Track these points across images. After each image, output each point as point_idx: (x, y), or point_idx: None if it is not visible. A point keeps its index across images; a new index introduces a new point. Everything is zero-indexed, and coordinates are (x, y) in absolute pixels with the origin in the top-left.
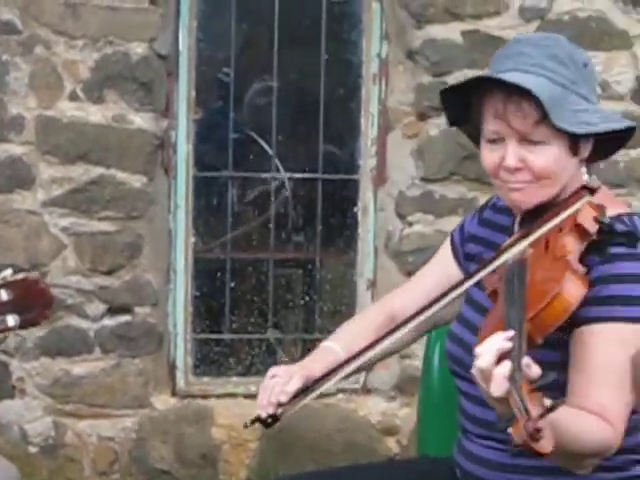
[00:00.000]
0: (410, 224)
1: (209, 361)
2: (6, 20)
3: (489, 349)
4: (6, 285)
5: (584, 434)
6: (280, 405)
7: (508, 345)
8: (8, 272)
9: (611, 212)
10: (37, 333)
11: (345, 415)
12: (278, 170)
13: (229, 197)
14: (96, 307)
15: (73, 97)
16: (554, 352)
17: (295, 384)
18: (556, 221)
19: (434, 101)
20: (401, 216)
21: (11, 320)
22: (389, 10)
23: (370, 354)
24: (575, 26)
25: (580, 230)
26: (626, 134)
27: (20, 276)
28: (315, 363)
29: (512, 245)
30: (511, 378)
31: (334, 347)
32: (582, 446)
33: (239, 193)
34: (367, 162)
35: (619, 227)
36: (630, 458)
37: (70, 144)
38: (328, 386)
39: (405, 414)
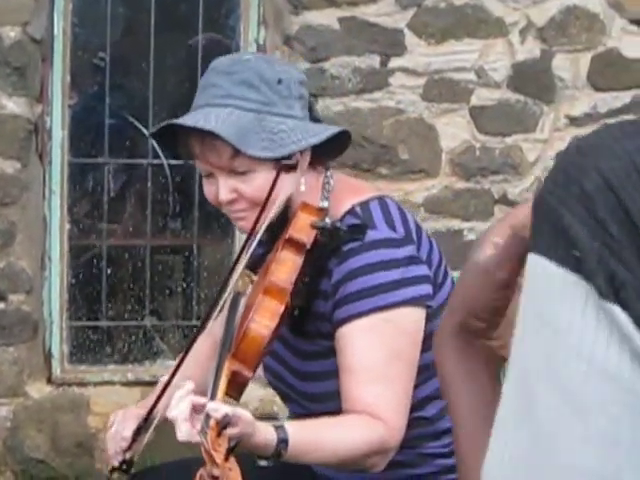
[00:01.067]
0: None
1: (85, 349)
2: None
3: (180, 399)
4: None
5: (346, 441)
6: (125, 451)
7: (199, 399)
8: None
9: (343, 207)
10: None
11: None
12: (156, 156)
13: (105, 183)
14: None
15: None
16: (326, 361)
17: (130, 427)
18: (244, 254)
19: (310, 88)
20: None
21: None
22: None
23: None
24: (451, 13)
25: (293, 243)
26: (344, 135)
27: None
28: (150, 398)
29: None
30: (200, 427)
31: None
32: (350, 451)
33: (115, 179)
34: None
35: (348, 222)
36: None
37: None
38: (159, 415)
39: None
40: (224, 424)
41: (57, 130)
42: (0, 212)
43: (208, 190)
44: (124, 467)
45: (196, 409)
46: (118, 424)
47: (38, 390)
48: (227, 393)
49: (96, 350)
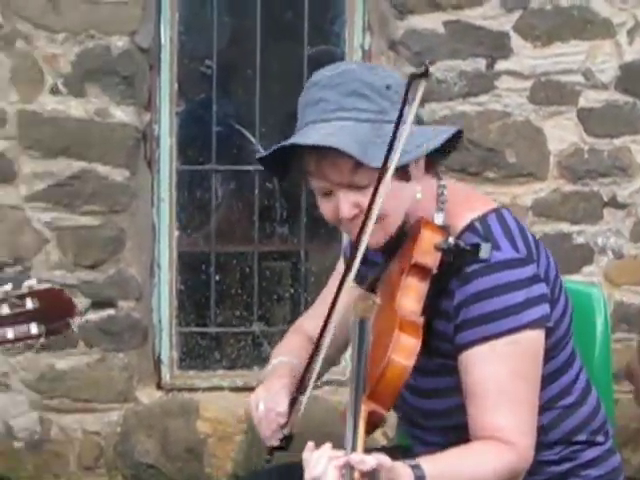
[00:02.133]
0: None
1: (194, 354)
2: None
3: (319, 458)
4: (31, 294)
5: (480, 471)
6: (282, 427)
7: (338, 455)
8: (33, 281)
9: (461, 221)
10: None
11: (332, 407)
12: None
13: (213, 190)
14: (80, 301)
15: (54, 91)
16: (444, 378)
17: (283, 402)
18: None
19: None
20: None
21: (35, 328)
22: (371, 1)
23: (319, 357)
24: (558, 15)
25: (419, 269)
26: (456, 136)
27: (45, 286)
28: (283, 378)
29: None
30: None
31: (284, 360)
32: (484, 478)
33: (223, 186)
34: None
35: (469, 240)
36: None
37: (52, 138)
38: (310, 388)
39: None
40: (371, 477)
41: (165, 138)
42: (110, 219)
43: (326, 208)
44: (283, 444)
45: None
46: (266, 402)
47: (148, 395)
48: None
49: (205, 356)
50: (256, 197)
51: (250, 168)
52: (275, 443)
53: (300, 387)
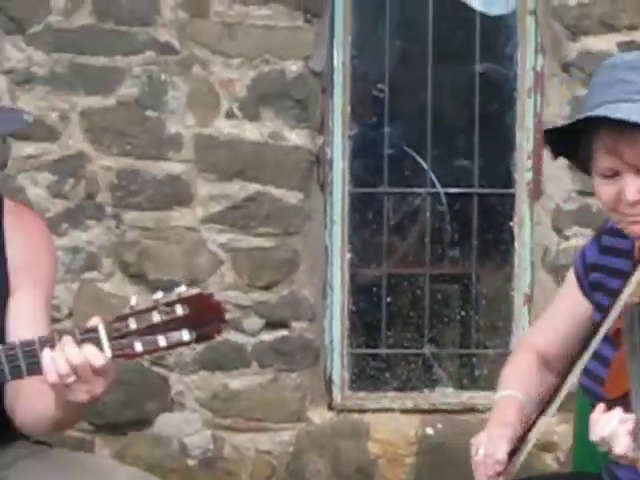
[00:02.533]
0: (567, 238)
1: (365, 376)
2: (164, 41)
3: (610, 420)
4: (181, 301)
5: None
6: (499, 475)
7: (629, 418)
8: (182, 288)
9: None
10: (196, 347)
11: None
12: (434, 185)
13: (384, 213)
14: (253, 322)
15: (230, 115)
16: None
17: (503, 450)
18: None
19: None
20: (558, 230)
21: (186, 335)
22: (543, 23)
23: (560, 395)
24: None
25: None
26: None
27: (194, 292)
28: (508, 417)
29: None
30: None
31: (515, 395)
32: None
33: (394, 208)
34: (523, 176)
35: None
36: None
37: (227, 161)
38: (534, 436)
39: (563, 430)
40: None
41: (338, 161)
42: (284, 241)
43: (605, 192)
44: None
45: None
46: (486, 447)
47: (320, 416)
48: None
49: (375, 377)
50: (427, 220)
51: (421, 191)
52: None
53: (523, 437)
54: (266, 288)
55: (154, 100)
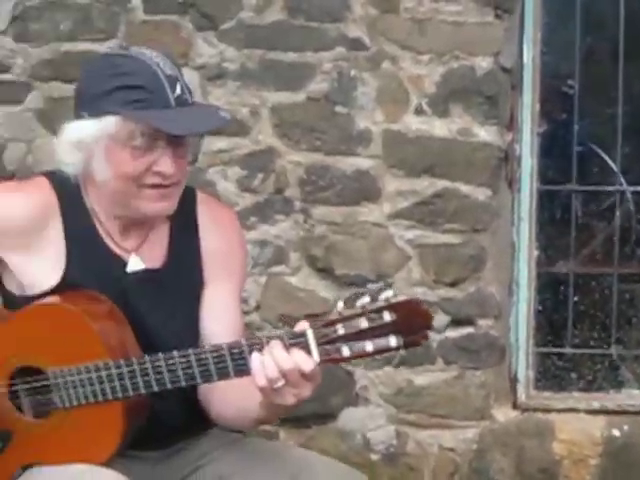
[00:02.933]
0: None
1: (550, 375)
2: (355, 37)
3: None
4: (389, 307)
5: None
6: None
7: None
8: (389, 293)
9: None
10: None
11: None
12: (621, 183)
13: (572, 211)
14: (440, 318)
15: (419, 111)
16: None
17: None
18: None
19: None
20: None
21: (393, 341)
22: None
23: None
24: None
25: None
26: None
27: (402, 298)
28: None
29: None
30: None
31: None
32: None
33: (583, 207)
34: None
35: None
36: None
37: (416, 157)
38: None
39: None
40: None
41: (526, 158)
42: (472, 238)
43: None
44: None
45: None
46: None
47: (504, 414)
48: None
49: (561, 377)
50: (617, 218)
51: (611, 189)
52: None
53: None
54: (452, 285)
55: (344, 96)
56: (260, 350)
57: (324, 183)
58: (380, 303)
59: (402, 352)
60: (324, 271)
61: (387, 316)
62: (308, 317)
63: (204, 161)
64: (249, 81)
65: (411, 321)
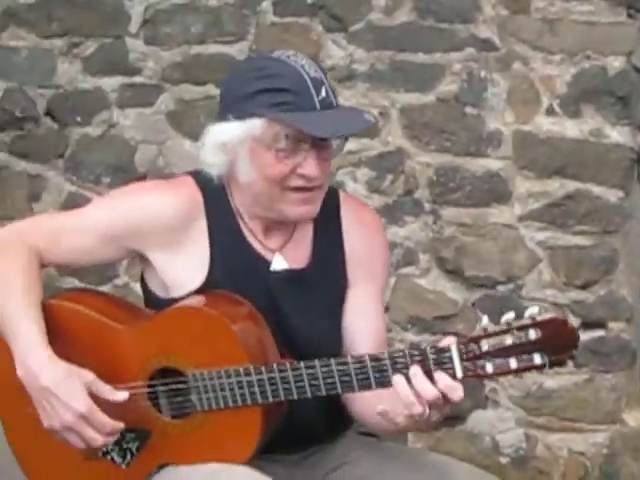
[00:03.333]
0: None
1: None
2: (485, 38)
3: None
4: (535, 325)
5: None
6: None
7: None
8: (535, 310)
9: None
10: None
11: None
12: None
13: None
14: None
15: (550, 112)
16: None
17: None
18: None
19: None
20: None
21: (538, 359)
22: None
23: None
24: None
25: None
26: None
27: (548, 315)
28: None
29: None
30: None
31: None
32: None
33: None
34: None
35: None
36: None
37: (546, 158)
38: None
39: None
40: None
41: None
42: (603, 240)
43: None
44: None
45: None
46: None
47: (635, 418)
48: None
49: None
50: None
51: None
52: None
53: None
54: (583, 287)
55: (474, 97)
56: (405, 368)
57: (454, 184)
58: (526, 320)
59: (547, 370)
60: (453, 272)
61: (532, 334)
62: (452, 333)
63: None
64: (378, 83)
65: (557, 340)
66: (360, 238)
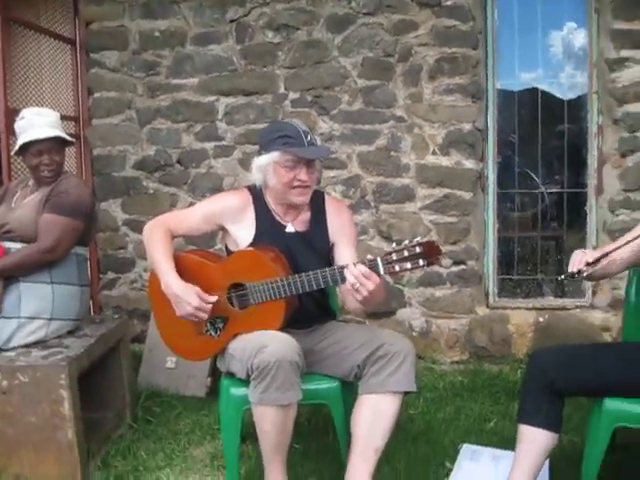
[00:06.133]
0: None
1: (507, 290)
2: (399, 115)
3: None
4: (420, 244)
5: None
6: (587, 265)
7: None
8: (419, 237)
9: None
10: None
11: (580, 320)
12: None
13: None
14: None
15: (434, 153)
16: None
17: (596, 254)
18: None
19: None
20: None
21: (422, 261)
22: None
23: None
24: None
25: None
26: None
27: (426, 239)
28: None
29: None
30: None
31: None
32: None
33: None
34: None
35: None
36: None
37: (433, 177)
38: (614, 253)
39: (615, 320)
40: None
41: (490, 175)
42: (463, 219)
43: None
44: (576, 275)
45: None
46: (583, 251)
47: (482, 311)
48: None
49: None
50: None
51: None
52: (574, 270)
53: (607, 254)
54: (454, 243)
55: (395, 146)
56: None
57: (385, 192)
58: (414, 242)
59: (425, 269)
60: (387, 237)
61: (418, 249)
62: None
63: (323, 182)
64: (345, 141)
65: (431, 251)
66: (337, 217)
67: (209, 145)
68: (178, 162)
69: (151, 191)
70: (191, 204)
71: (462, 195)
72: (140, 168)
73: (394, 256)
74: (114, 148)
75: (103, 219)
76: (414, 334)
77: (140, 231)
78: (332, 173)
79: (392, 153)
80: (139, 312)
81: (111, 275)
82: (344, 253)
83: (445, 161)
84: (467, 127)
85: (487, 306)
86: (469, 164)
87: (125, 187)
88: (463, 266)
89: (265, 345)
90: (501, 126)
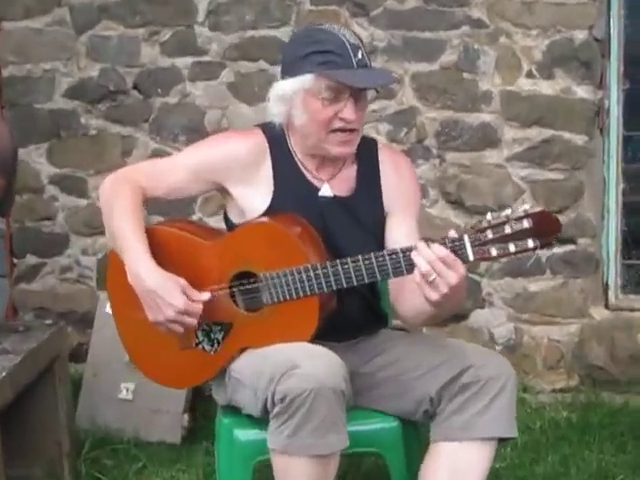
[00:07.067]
0: None
1: (633, 283)
2: (477, 18)
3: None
4: (527, 216)
5: None
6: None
7: None
8: (527, 205)
9: None
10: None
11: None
12: None
13: None
14: None
15: (529, 75)
16: None
17: None
18: None
19: None
20: None
21: (531, 242)
22: None
23: None
24: None
25: None
26: None
27: (538, 208)
28: None
29: None
30: None
31: None
32: None
33: None
34: None
35: None
36: None
37: (527, 112)
38: None
39: None
40: None
41: (614, 110)
42: (572, 175)
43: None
44: None
45: None
46: None
47: (598, 313)
48: None
49: None
50: None
51: None
52: None
53: None
54: (558, 212)
55: (469, 64)
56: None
57: (455, 134)
58: (520, 213)
59: (538, 252)
60: (455, 203)
61: (526, 223)
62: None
63: None
64: (393, 56)
65: (545, 227)
66: (395, 175)
67: (183, 62)
68: (135, 88)
69: (93, 132)
70: (155, 153)
71: (571, 139)
72: (76, 97)
73: (489, 234)
74: (36, 66)
75: (19, 175)
76: (497, 347)
77: (75, 193)
78: (373, 106)
79: (465, 75)
80: (75, 316)
81: (31, 260)
82: (402, 229)
83: (546, 87)
84: (580, 36)
85: (607, 306)
86: (582, 92)
87: (53, 126)
88: (571, 246)
89: (295, 365)
90: (631, 36)
